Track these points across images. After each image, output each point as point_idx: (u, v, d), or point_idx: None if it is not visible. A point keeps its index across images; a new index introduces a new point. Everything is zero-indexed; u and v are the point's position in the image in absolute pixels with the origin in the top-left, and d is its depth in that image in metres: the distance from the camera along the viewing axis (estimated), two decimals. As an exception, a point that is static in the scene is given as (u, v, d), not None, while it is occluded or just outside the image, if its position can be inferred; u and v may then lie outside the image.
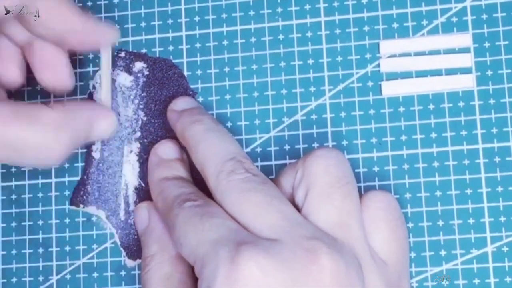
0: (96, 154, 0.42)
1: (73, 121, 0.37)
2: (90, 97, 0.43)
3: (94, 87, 0.43)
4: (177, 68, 0.42)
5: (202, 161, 0.36)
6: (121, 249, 0.41)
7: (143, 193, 0.41)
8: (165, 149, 0.40)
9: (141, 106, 0.42)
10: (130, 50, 0.43)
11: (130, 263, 0.41)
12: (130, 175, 0.42)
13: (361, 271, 0.33)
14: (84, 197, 0.42)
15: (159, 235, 0.38)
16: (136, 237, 0.41)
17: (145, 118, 0.42)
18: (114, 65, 0.43)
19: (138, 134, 0.42)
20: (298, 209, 0.35)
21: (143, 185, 0.41)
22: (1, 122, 0.35)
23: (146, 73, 0.42)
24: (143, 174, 0.42)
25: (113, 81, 0.42)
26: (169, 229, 0.36)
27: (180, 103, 0.41)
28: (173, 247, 0.37)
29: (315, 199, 0.34)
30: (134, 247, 0.41)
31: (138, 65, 0.43)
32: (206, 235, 0.33)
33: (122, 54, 0.43)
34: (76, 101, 0.42)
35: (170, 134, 0.41)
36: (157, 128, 0.42)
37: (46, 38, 0.38)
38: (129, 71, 0.43)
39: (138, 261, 0.41)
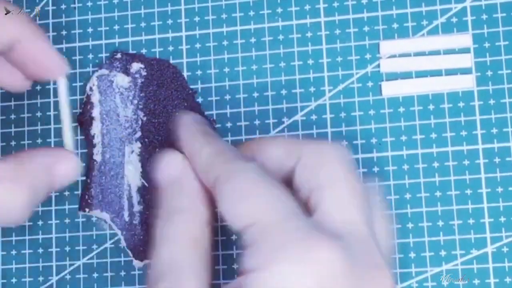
0: (97, 157, 0.42)
1: (29, 170, 0.33)
2: (88, 99, 0.43)
3: (91, 89, 0.43)
4: (175, 68, 0.42)
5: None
6: (128, 250, 0.41)
7: (146, 194, 0.41)
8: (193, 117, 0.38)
9: (140, 106, 0.42)
10: (130, 50, 0.43)
11: (137, 264, 0.41)
12: (132, 175, 0.42)
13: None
14: (89, 201, 0.42)
15: (191, 191, 0.35)
16: (142, 237, 0.41)
17: (145, 118, 0.42)
18: (111, 66, 0.43)
19: (139, 134, 0.42)
20: (300, 194, 0.33)
21: (146, 184, 0.41)
22: None
23: (144, 73, 0.42)
24: (146, 174, 0.42)
25: (111, 82, 0.42)
26: (220, 179, 0.32)
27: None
28: (205, 211, 0.34)
29: (338, 198, 0.32)
30: (141, 248, 0.41)
31: (135, 66, 0.43)
32: (279, 204, 0.31)
33: (118, 56, 0.43)
34: (31, 149, 0.39)
35: (170, 133, 0.42)
36: (157, 127, 0.42)
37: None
38: (126, 72, 0.43)
39: (146, 261, 0.41)
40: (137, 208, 0.41)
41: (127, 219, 0.42)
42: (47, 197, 0.36)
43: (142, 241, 0.41)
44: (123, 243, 0.41)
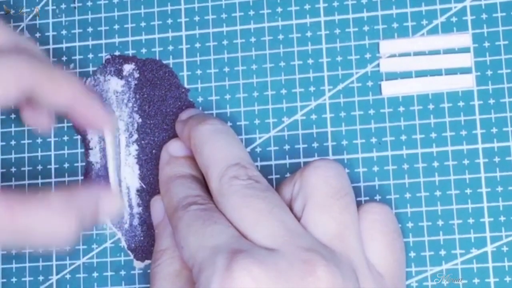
0: (94, 160, 0.42)
1: (77, 203, 0.37)
2: None
3: None
4: (167, 67, 0.42)
5: (206, 164, 0.36)
6: (129, 251, 0.41)
7: (145, 195, 0.41)
8: (176, 147, 0.40)
9: (135, 109, 0.42)
10: (130, 50, 0.43)
11: (138, 264, 0.41)
12: (130, 178, 0.42)
13: (358, 284, 0.33)
14: None
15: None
16: (142, 238, 0.41)
17: (140, 120, 0.42)
18: (104, 70, 0.43)
19: (135, 136, 0.42)
20: (297, 220, 0.35)
21: (144, 186, 0.41)
22: (8, 210, 0.35)
23: (137, 75, 0.42)
24: (143, 175, 0.42)
25: (105, 87, 0.43)
26: (172, 230, 0.36)
27: (186, 113, 0.41)
28: None
29: (314, 210, 0.34)
30: (141, 249, 0.41)
31: (128, 67, 0.43)
32: (206, 240, 0.33)
33: (110, 58, 0.43)
34: (80, 186, 0.42)
35: (166, 133, 0.42)
36: (153, 128, 0.42)
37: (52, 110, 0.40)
38: (119, 75, 0.43)
39: (147, 262, 0.41)
40: (136, 209, 0.41)
41: (127, 220, 0.42)
42: (92, 228, 0.41)
43: (142, 242, 0.41)
44: (124, 244, 0.41)
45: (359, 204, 0.36)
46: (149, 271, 0.41)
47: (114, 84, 0.43)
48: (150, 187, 0.41)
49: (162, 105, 0.42)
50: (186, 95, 0.42)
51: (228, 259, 0.32)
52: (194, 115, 0.40)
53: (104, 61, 0.43)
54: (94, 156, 0.42)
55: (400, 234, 0.37)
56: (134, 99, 0.42)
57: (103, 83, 0.43)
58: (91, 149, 0.42)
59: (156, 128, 0.42)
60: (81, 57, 0.43)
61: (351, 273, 0.33)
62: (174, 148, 0.40)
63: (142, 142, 0.42)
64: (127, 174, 0.42)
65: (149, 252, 0.41)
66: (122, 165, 0.42)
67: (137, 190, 0.42)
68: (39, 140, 0.43)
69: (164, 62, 0.43)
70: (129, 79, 0.42)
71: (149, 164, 0.42)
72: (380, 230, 0.36)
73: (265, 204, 0.34)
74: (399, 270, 0.36)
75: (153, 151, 0.42)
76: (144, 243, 0.41)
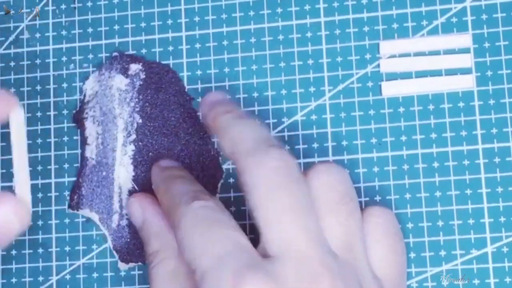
0: (89, 156, 0.42)
1: None
2: (85, 99, 0.43)
3: (89, 89, 0.43)
4: (175, 73, 0.42)
5: (232, 143, 0.35)
6: (114, 252, 0.41)
7: None
8: (168, 161, 0.40)
9: (137, 109, 0.42)
10: (130, 50, 0.43)
11: (122, 266, 0.41)
12: (123, 178, 0.41)
13: None
14: (79, 199, 0.42)
15: (158, 230, 0.38)
16: (129, 240, 0.41)
17: (140, 121, 0.42)
18: (110, 67, 0.43)
19: (133, 136, 0.42)
20: None
21: (136, 188, 0.41)
22: None
23: (143, 76, 0.42)
24: (137, 177, 0.41)
25: (109, 83, 0.42)
26: (174, 226, 0.35)
27: (213, 95, 0.39)
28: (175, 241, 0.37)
29: (320, 216, 0.34)
30: (127, 251, 0.41)
31: (134, 67, 0.42)
32: (212, 246, 0.32)
33: (117, 56, 0.43)
34: None
35: (165, 138, 0.41)
36: (152, 131, 0.42)
37: None
38: (125, 73, 0.42)
39: (131, 264, 0.41)
40: (126, 210, 0.41)
41: (116, 221, 0.41)
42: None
43: (128, 244, 0.41)
44: (110, 244, 0.41)
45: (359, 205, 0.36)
46: (139, 272, 0.41)
47: (119, 82, 0.42)
48: (142, 189, 0.41)
49: (164, 109, 0.42)
50: (190, 103, 0.42)
51: (236, 275, 0.31)
52: (222, 101, 0.38)
53: (111, 58, 0.43)
54: (89, 154, 0.42)
55: (402, 237, 0.37)
56: (137, 99, 0.42)
57: (108, 79, 0.43)
58: (88, 145, 0.42)
59: (156, 131, 0.42)
60: (81, 57, 0.43)
61: (355, 283, 0.33)
62: (165, 162, 0.40)
63: (140, 143, 0.42)
64: (121, 173, 0.42)
65: (134, 254, 0.41)
66: (117, 165, 0.42)
67: (129, 191, 0.41)
68: (39, 141, 0.43)
69: (164, 62, 0.43)
70: (134, 79, 0.42)
71: (144, 166, 0.41)
72: (382, 233, 0.36)
73: (292, 200, 0.33)
74: (400, 272, 0.36)
75: (150, 153, 0.41)
76: (130, 245, 0.41)
